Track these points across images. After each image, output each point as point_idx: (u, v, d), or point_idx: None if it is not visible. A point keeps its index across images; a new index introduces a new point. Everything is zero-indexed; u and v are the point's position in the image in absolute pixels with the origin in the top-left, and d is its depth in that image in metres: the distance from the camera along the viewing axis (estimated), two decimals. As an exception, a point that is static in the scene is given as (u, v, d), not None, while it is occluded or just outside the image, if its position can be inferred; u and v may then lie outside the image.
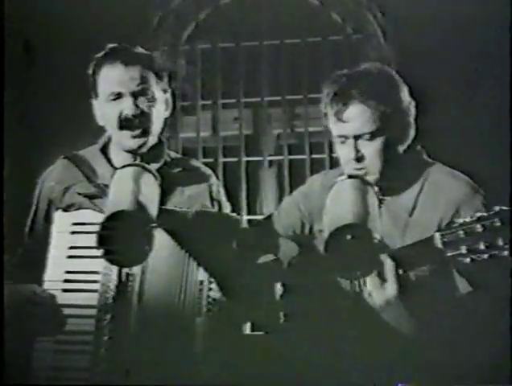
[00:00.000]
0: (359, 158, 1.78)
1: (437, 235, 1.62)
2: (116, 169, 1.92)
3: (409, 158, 1.84)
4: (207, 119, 3.00)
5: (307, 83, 2.91)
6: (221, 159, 2.97)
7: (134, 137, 1.92)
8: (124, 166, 1.85)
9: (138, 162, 1.91)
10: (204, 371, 1.74)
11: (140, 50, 1.97)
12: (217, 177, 2.08)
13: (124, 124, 1.91)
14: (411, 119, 1.83)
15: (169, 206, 1.88)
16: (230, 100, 2.99)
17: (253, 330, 1.76)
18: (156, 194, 1.82)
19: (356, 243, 1.65)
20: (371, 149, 1.78)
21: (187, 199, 1.96)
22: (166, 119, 2.00)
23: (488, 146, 2.32)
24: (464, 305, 1.74)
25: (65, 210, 1.88)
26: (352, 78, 1.80)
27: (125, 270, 1.79)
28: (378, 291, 1.65)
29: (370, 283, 1.65)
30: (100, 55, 1.95)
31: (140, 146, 1.93)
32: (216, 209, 2.01)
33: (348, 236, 1.66)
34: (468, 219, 1.59)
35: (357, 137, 1.77)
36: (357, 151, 1.78)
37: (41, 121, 2.61)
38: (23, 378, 1.81)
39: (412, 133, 1.83)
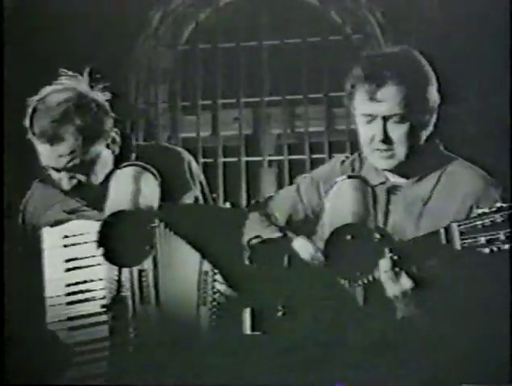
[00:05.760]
0: (386, 140, 1.77)
1: (454, 225, 1.61)
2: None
3: (428, 148, 1.82)
4: (207, 119, 3.00)
5: (307, 83, 2.91)
6: (221, 159, 2.96)
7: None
8: (124, 166, 1.85)
9: (137, 162, 1.90)
10: (209, 367, 1.74)
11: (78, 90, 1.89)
12: (195, 158, 2.06)
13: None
14: (435, 106, 1.82)
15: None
16: (230, 100, 2.98)
17: (253, 330, 1.76)
18: (156, 193, 1.82)
19: (356, 243, 1.65)
20: (399, 132, 1.77)
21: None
22: (118, 153, 1.95)
23: (505, 141, 2.30)
24: (464, 306, 1.73)
25: (52, 225, 1.86)
26: (386, 59, 1.80)
27: (135, 273, 1.79)
28: (394, 281, 1.65)
29: (385, 274, 1.65)
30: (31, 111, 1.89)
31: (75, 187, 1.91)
32: (198, 189, 2.00)
33: (348, 236, 1.66)
34: (487, 210, 1.59)
35: (386, 118, 1.76)
36: (386, 133, 1.77)
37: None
38: (25, 379, 1.81)
39: (433, 121, 1.82)
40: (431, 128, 1.81)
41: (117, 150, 1.91)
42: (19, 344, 1.82)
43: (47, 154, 1.85)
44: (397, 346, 1.70)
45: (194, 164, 2.03)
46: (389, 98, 1.75)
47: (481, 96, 2.45)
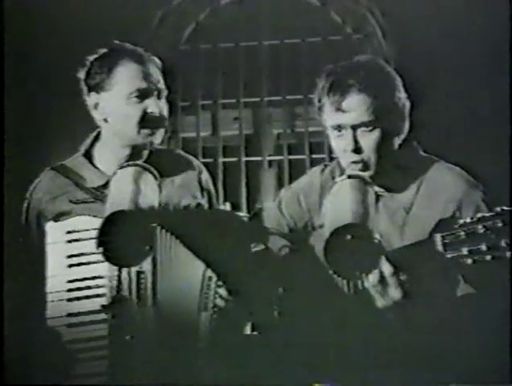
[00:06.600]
0: (357, 150, 1.78)
1: (438, 236, 1.61)
2: (98, 170, 1.93)
3: (406, 154, 1.83)
4: (207, 119, 3.00)
5: (307, 83, 2.91)
6: (221, 159, 2.96)
7: (147, 134, 1.94)
8: (124, 166, 1.85)
9: (138, 162, 1.91)
10: (209, 368, 1.74)
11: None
12: (208, 169, 2.09)
13: (146, 121, 1.93)
14: (406, 111, 1.82)
15: (161, 197, 1.88)
16: (230, 100, 2.98)
17: (253, 330, 1.76)
18: (156, 193, 1.83)
19: (356, 243, 1.65)
20: (369, 141, 1.77)
21: (178, 188, 1.97)
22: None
23: (487, 143, 2.31)
24: (464, 306, 1.73)
25: (56, 220, 1.87)
26: (348, 68, 1.81)
27: (133, 275, 1.79)
28: (382, 294, 1.65)
29: (373, 288, 1.65)
30: (116, 48, 1.96)
31: (150, 143, 1.95)
32: (205, 198, 2.02)
33: (348, 236, 1.66)
34: (468, 220, 1.59)
35: (355, 128, 1.76)
36: (356, 142, 1.77)
37: (42, 124, 2.61)
38: (24, 378, 1.81)
39: (407, 126, 1.83)
40: (404, 134, 1.82)
41: (157, 110, 1.96)
42: (19, 343, 1.82)
43: (135, 75, 1.95)
44: (396, 346, 1.70)
45: (205, 174, 2.07)
46: (355, 107, 1.75)
47: (476, 96, 2.45)
